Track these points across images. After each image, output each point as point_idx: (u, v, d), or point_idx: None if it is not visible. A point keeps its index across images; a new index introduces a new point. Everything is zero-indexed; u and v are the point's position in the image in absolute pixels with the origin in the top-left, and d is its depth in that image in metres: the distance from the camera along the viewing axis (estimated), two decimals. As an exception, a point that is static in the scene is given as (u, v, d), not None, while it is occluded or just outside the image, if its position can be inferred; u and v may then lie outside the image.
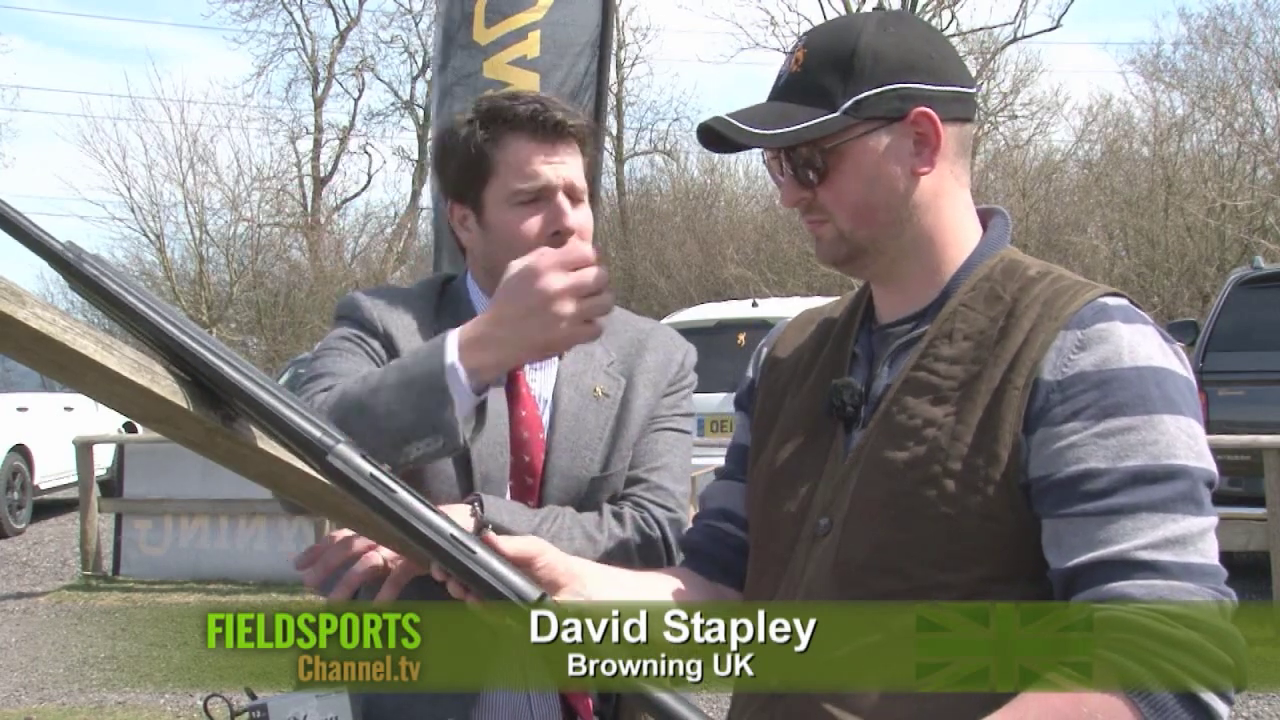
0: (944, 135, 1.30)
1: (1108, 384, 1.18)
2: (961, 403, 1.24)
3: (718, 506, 1.53)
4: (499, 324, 1.46)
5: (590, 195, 1.81)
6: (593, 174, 1.81)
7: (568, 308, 1.44)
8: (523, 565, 1.23)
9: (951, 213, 1.34)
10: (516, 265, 1.48)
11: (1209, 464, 1.18)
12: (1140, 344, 1.20)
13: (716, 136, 1.32)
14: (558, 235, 1.70)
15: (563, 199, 1.70)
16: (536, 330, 1.44)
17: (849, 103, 1.28)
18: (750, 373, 1.55)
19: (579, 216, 1.72)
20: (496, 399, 1.70)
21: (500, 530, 1.54)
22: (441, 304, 1.78)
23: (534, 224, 1.70)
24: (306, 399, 1.55)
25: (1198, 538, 1.14)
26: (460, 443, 1.45)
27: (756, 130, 1.29)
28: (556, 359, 1.77)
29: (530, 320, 1.44)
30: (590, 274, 1.45)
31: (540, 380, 1.76)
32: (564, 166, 1.71)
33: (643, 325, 1.87)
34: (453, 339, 1.47)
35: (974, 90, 1.35)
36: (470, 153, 1.71)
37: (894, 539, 1.24)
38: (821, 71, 1.30)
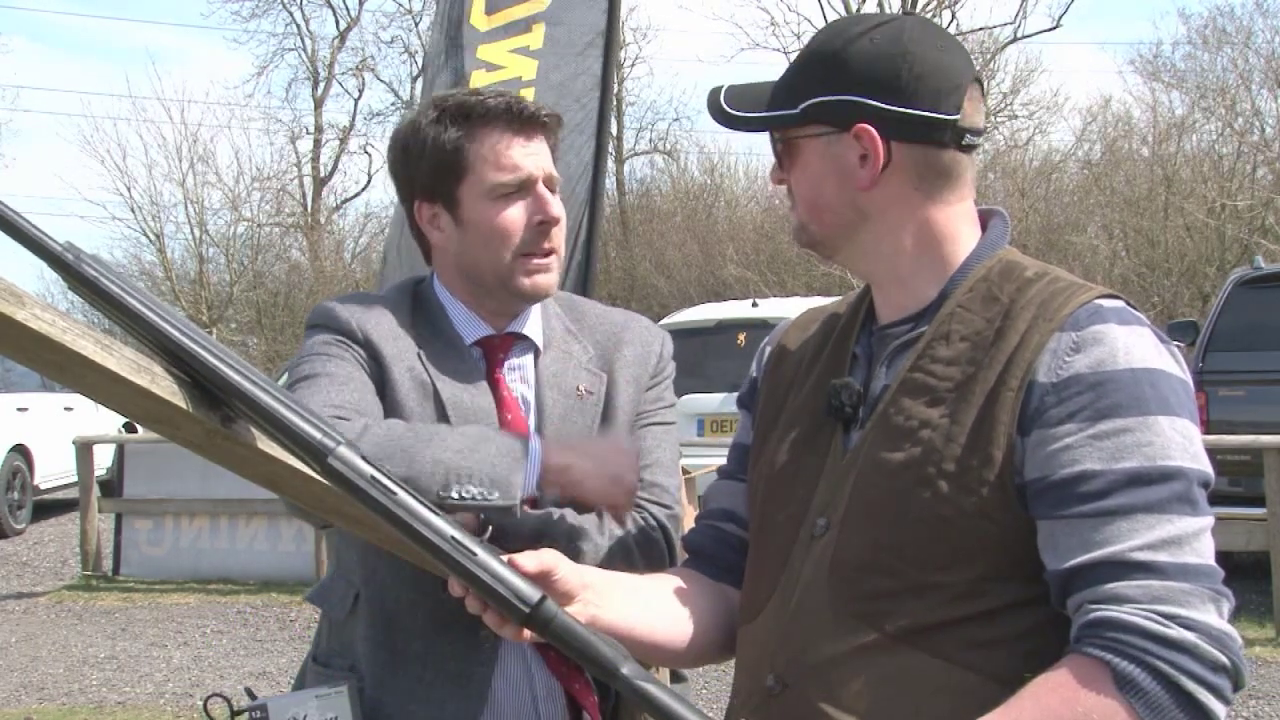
0: (889, 154, 1.29)
1: (1103, 385, 1.18)
2: (956, 404, 1.24)
3: (720, 507, 1.54)
4: (584, 462, 1.59)
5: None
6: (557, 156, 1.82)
7: (629, 493, 1.63)
8: (542, 578, 1.24)
9: (923, 224, 1.32)
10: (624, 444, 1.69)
11: (1204, 464, 1.18)
12: (1135, 345, 1.20)
13: (717, 109, 1.40)
14: (543, 225, 1.70)
15: (543, 189, 1.71)
16: (608, 478, 1.60)
17: (806, 103, 1.32)
18: (754, 371, 1.56)
19: (559, 206, 1.73)
20: (483, 398, 1.71)
21: (501, 531, 1.54)
22: (415, 308, 1.77)
23: (518, 216, 1.69)
24: (331, 416, 1.54)
25: (1193, 538, 1.14)
26: (513, 508, 1.49)
27: (731, 110, 1.37)
28: (533, 358, 1.78)
29: (609, 470, 1.60)
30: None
31: (519, 382, 1.76)
32: (540, 156, 1.72)
33: (616, 318, 1.87)
34: (536, 439, 1.59)
35: (948, 115, 1.28)
36: (443, 149, 1.69)
37: (890, 540, 1.25)
38: (801, 69, 1.36)
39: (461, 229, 1.72)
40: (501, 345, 1.76)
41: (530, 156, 1.70)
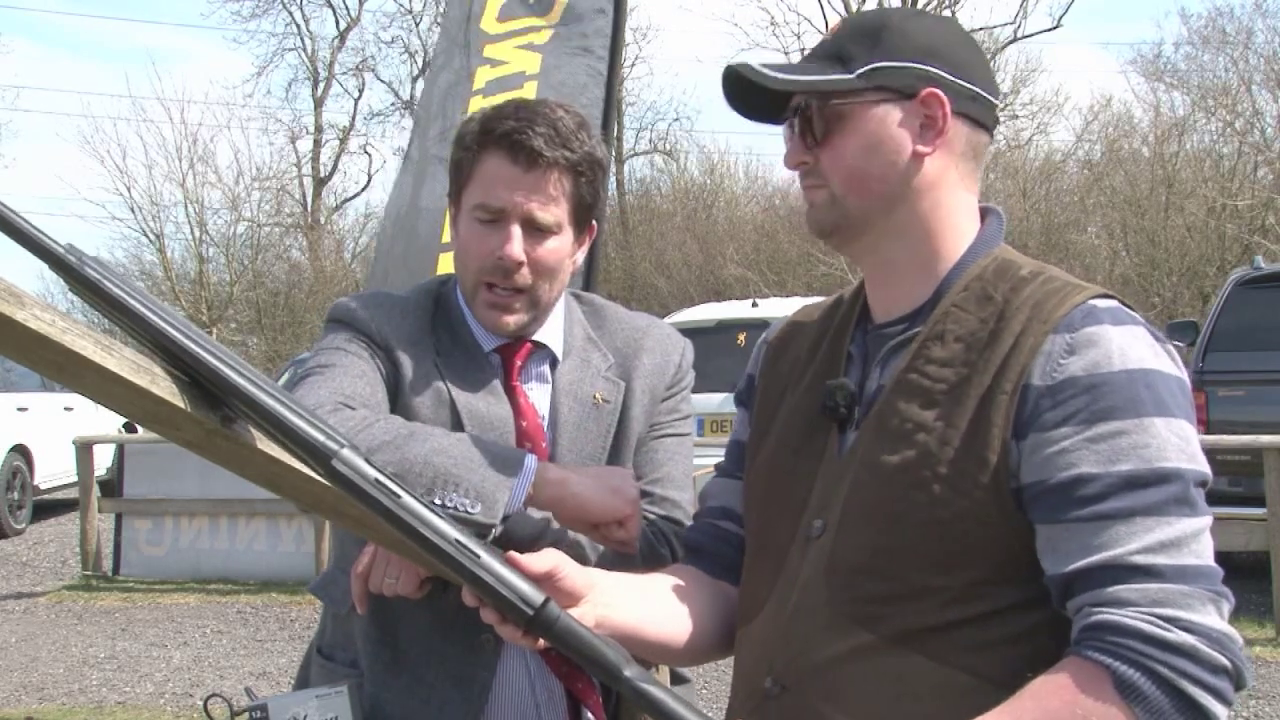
0: (951, 125, 1.30)
1: (1098, 388, 1.17)
2: (951, 407, 1.24)
3: (718, 505, 1.53)
4: (582, 477, 1.56)
5: (581, 224, 1.73)
6: (585, 203, 1.71)
7: (626, 523, 1.57)
8: (548, 580, 1.24)
9: (950, 207, 1.33)
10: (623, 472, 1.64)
11: (1201, 465, 1.17)
12: (1130, 346, 1.20)
13: (737, 86, 1.34)
14: (500, 259, 1.66)
15: (516, 229, 1.65)
16: (607, 489, 1.56)
17: (866, 68, 1.30)
18: (750, 369, 1.55)
19: (536, 249, 1.66)
20: (500, 406, 1.69)
21: (503, 534, 1.54)
22: (437, 314, 1.75)
23: (485, 243, 1.66)
24: (330, 412, 1.52)
25: (1192, 539, 1.14)
26: (494, 523, 1.44)
27: (771, 73, 1.31)
28: (550, 365, 1.76)
29: (606, 498, 1.55)
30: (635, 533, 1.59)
31: (537, 390, 1.74)
32: (532, 195, 1.65)
33: (639, 323, 1.85)
34: (533, 456, 1.55)
35: (995, 99, 1.35)
36: (459, 157, 1.70)
37: (886, 543, 1.24)
38: (849, 39, 1.33)
39: (456, 236, 1.73)
40: (520, 353, 1.74)
41: (517, 191, 1.64)
